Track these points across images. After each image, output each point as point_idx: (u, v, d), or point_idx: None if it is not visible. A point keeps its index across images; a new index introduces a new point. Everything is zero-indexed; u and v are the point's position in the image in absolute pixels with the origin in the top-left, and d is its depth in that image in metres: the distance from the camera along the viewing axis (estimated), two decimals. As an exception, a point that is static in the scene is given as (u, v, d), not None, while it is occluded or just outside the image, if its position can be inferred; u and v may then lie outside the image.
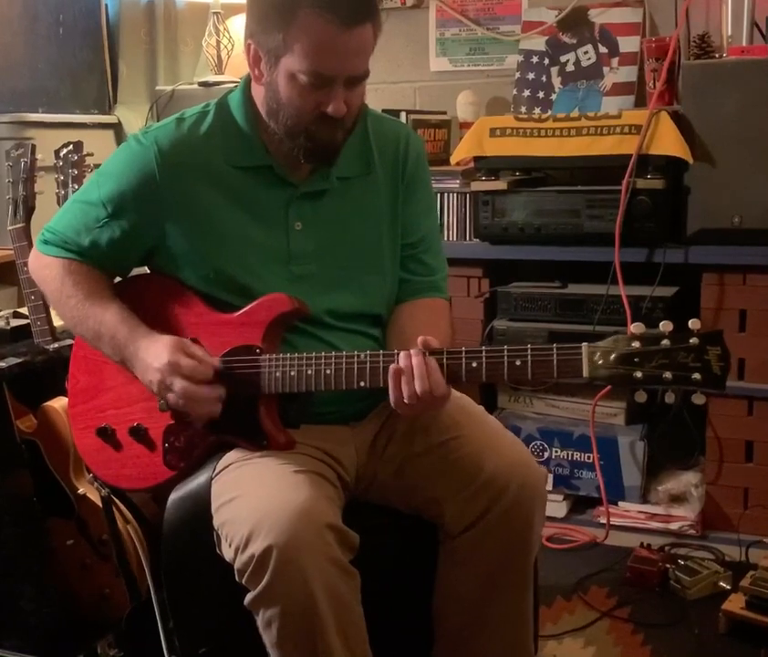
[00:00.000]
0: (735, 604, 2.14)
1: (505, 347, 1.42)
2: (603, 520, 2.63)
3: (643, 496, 2.66)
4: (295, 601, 1.36)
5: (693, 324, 1.37)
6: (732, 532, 2.51)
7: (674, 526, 2.60)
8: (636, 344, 1.37)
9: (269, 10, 1.48)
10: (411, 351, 1.43)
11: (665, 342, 1.36)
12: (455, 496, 1.54)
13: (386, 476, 1.62)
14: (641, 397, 1.41)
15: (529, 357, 1.40)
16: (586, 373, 1.38)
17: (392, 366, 1.43)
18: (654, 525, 2.61)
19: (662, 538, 2.57)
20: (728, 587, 2.29)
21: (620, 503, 2.66)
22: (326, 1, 1.42)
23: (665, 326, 1.37)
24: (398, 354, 1.44)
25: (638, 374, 1.37)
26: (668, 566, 2.37)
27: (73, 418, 1.72)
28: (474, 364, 1.42)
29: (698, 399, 1.37)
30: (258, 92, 1.56)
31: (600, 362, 1.38)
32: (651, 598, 2.31)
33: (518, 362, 1.41)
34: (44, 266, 1.66)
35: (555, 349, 1.40)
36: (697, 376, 1.35)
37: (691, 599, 2.28)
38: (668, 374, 1.35)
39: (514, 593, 1.57)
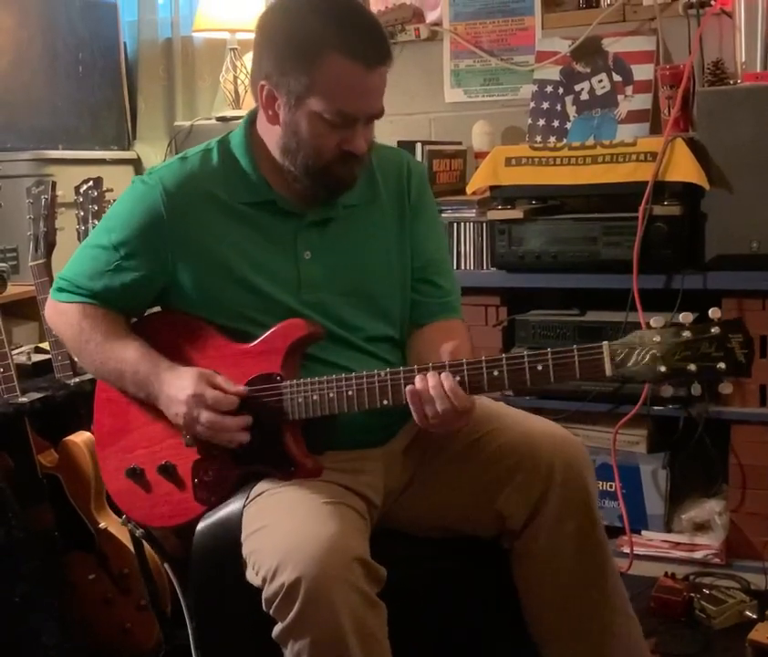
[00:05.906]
0: (762, 633, 2.11)
1: (525, 352, 1.42)
2: (626, 550, 2.60)
3: (666, 525, 2.63)
4: (324, 633, 1.36)
5: (713, 313, 1.36)
6: (757, 560, 2.48)
7: (698, 554, 2.56)
8: (657, 338, 1.36)
9: (290, 53, 1.48)
10: (428, 373, 1.43)
11: (686, 334, 1.35)
12: (503, 489, 1.54)
13: (422, 489, 1.62)
14: (667, 391, 1.39)
15: (550, 360, 1.39)
16: (609, 372, 1.37)
17: (409, 388, 1.43)
18: (678, 554, 2.58)
19: (686, 567, 2.54)
20: (754, 616, 2.26)
21: (643, 532, 2.64)
22: (351, 45, 1.46)
23: (685, 317, 1.36)
24: (415, 372, 1.44)
25: (663, 368, 1.36)
26: (692, 595, 2.35)
27: (102, 461, 1.70)
28: (496, 373, 1.42)
29: (726, 388, 1.37)
30: (270, 133, 1.57)
31: (623, 360, 1.37)
32: (676, 627, 2.28)
33: (540, 367, 1.40)
34: (60, 313, 1.67)
35: (575, 351, 1.39)
36: (722, 365, 1.34)
37: (717, 629, 2.26)
38: (692, 366, 1.34)
39: (597, 564, 1.56)
